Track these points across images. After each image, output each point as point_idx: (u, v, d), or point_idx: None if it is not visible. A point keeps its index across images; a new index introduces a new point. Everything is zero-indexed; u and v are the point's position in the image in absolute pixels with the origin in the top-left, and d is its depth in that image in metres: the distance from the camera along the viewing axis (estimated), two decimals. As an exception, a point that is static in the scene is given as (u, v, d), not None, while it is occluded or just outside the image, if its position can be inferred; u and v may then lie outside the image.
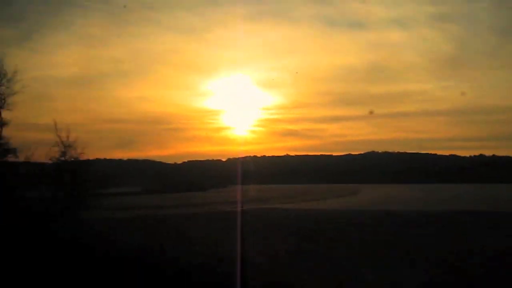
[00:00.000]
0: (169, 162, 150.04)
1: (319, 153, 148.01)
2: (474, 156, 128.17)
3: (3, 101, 30.27)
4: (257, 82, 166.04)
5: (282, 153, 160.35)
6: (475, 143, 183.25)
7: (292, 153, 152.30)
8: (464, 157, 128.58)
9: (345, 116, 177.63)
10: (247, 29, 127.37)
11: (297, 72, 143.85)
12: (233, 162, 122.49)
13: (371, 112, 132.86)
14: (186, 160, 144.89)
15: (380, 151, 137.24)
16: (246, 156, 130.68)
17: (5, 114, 28.37)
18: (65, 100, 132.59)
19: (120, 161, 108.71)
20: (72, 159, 22.38)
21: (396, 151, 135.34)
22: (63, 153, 22.51)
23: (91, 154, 25.79)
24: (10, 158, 23.83)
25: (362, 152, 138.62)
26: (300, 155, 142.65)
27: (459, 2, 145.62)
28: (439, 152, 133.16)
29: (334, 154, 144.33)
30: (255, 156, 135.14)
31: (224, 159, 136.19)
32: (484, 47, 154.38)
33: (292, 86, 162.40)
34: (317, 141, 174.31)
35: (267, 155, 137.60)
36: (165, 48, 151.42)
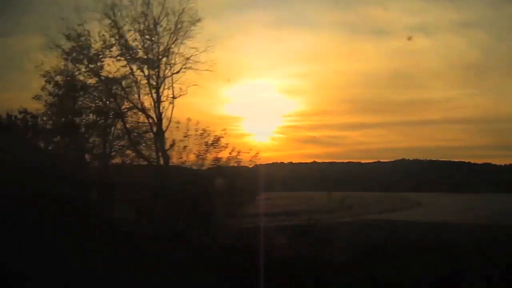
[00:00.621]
0: (193, 167, 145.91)
1: (347, 161, 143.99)
2: (510, 164, 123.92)
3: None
4: (278, 88, 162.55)
5: (308, 160, 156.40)
6: (508, 152, 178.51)
7: (319, 160, 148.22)
8: (499, 166, 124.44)
9: (367, 124, 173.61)
10: (269, 36, 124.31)
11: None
12: (260, 169, 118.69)
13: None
14: (210, 166, 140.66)
15: (410, 159, 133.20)
16: (274, 163, 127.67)
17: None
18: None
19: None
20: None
21: (427, 159, 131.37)
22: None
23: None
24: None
25: (391, 160, 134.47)
26: (328, 162, 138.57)
27: (484, 9, 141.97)
28: (472, 161, 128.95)
29: (363, 161, 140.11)
30: (282, 163, 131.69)
31: (250, 166, 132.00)
32: (511, 53, 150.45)
33: (313, 93, 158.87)
34: (340, 148, 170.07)
35: (293, 161, 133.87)
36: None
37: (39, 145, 22.95)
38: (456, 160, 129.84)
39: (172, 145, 20.55)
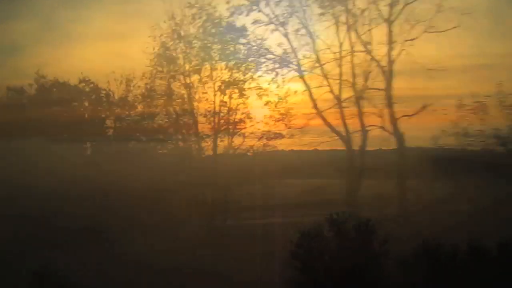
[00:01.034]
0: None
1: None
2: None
3: None
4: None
5: (310, 148, 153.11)
6: None
7: (321, 148, 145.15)
8: (502, 153, 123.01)
9: (366, 112, 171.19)
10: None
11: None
12: (265, 155, 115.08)
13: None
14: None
15: (413, 146, 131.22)
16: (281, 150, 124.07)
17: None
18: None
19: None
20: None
21: (429, 146, 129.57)
22: None
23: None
24: None
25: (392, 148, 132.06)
26: (330, 150, 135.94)
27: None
28: (479, 148, 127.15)
29: (366, 149, 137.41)
30: (283, 150, 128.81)
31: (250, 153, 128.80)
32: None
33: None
34: (335, 135, 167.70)
35: (294, 149, 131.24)
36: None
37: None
38: (469, 147, 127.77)
39: (424, 107, 15.77)
